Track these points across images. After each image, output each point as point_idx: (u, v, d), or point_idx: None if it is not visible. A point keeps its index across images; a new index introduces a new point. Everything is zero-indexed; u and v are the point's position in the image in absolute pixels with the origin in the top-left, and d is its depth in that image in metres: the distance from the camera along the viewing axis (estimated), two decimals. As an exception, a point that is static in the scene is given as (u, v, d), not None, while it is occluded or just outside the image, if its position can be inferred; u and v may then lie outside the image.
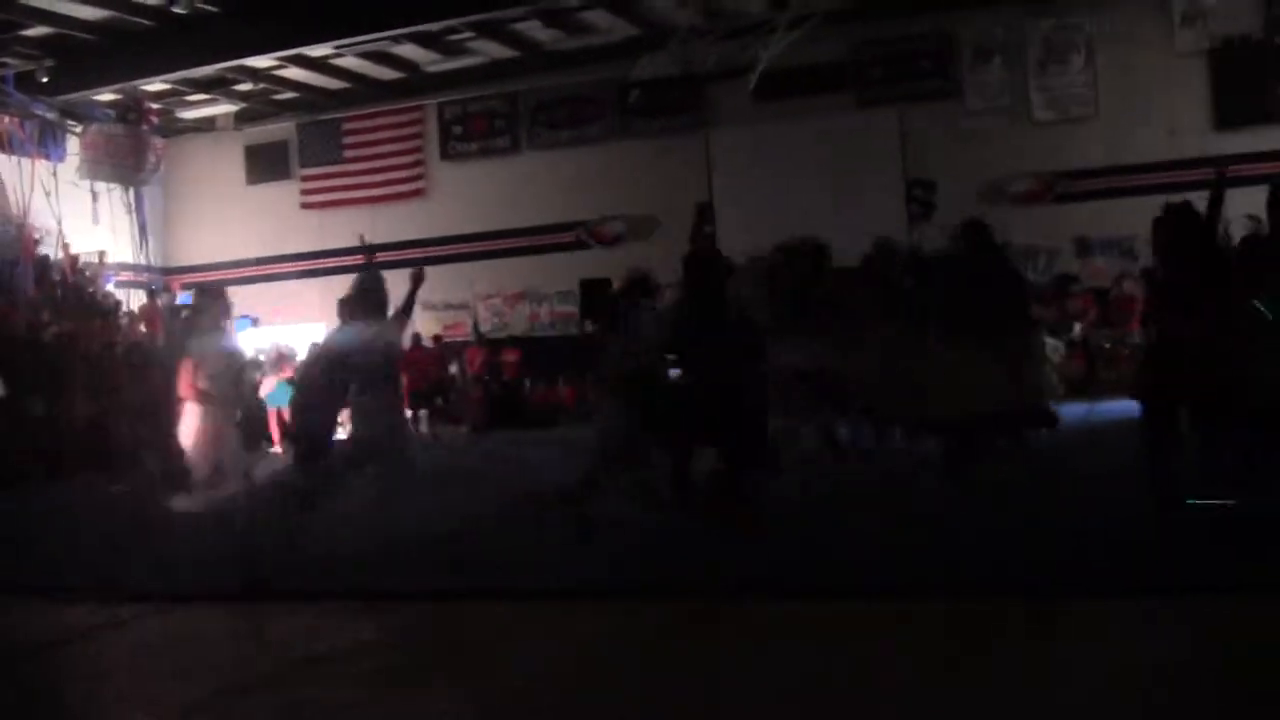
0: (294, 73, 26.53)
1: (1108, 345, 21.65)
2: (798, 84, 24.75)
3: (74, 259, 25.93)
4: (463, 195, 28.20)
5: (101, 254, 27.40)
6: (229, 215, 30.23)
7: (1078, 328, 22.13)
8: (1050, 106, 24.26)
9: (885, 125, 25.18)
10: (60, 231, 25.77)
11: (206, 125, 29.54)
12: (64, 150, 26.81)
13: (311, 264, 27.60)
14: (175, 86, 26.63)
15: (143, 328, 24.39)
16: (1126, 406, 10.07)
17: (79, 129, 26.61)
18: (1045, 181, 24.05)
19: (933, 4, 24.29)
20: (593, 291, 23.03)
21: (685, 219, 26.12)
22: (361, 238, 12.96)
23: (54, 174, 26.11)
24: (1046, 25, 24.26)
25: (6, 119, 25.45)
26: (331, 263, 28.05)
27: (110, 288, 27.41)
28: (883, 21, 24.67)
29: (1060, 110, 24.18)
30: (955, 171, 24.25)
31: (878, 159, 24.88)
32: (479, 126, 28.48)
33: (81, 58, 23.65)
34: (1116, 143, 23.61)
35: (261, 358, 21.51)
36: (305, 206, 29.76)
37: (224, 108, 28.55)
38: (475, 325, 27.09)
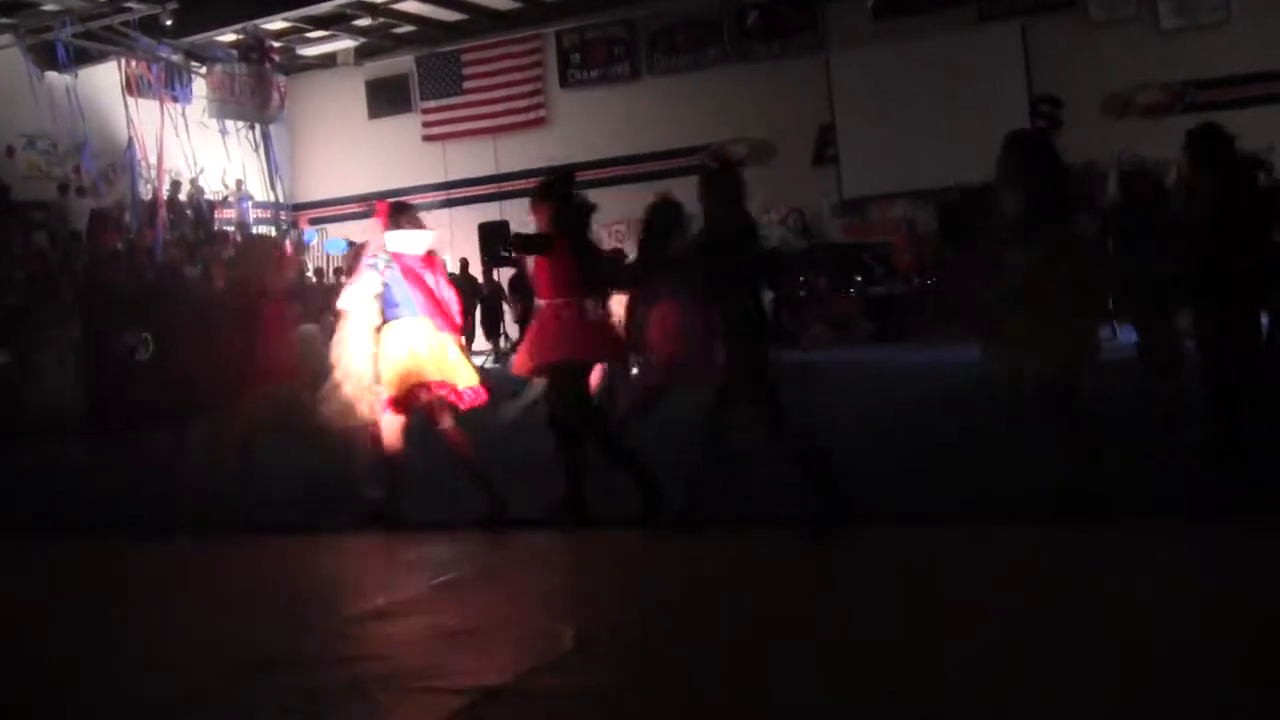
0: (412, 6, 26.68)
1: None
2: (917, 1, 24.42)
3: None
4: (583, 123, 28.20)
5: (239, 182, 28.02)
6: (352, 150, 30.57)
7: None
8: (1179, 14, 23.65)
9: (1008, 39, 24.71)
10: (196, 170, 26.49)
11: (328, 62, 29.79)
12: (191, 92, 27.30)
13: (435, 196, 27.88)
14: (296, 24, 26.92)
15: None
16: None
17: (204, 70, 27.03)
18: (1174, 92, 23.50)
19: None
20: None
21: (808, 142, 26.11)
22: None
23: (183, 115, 26.59)
24: (1174, -71, 23.66)
25: (135, 63, 25.93)
26: (455, 194, 28.35)
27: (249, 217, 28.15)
28: (1003, -68, 24.26)
29: (1189, 18, 23.55)
30: (1080, 84, 23.84)
31: (1001, 74, 24.43)
32: (598, 54, 28.45)
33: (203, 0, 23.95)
34: (1249, 50, 23.00)
35: None
36: (427, 139, 29.99)
37: (344, 43, 28.77)
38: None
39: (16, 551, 9.76)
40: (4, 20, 24.04)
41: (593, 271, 8.54)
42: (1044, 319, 7.32)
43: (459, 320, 9.24)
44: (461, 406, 8.93)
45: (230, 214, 27.96)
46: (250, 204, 28.76)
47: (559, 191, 8.68)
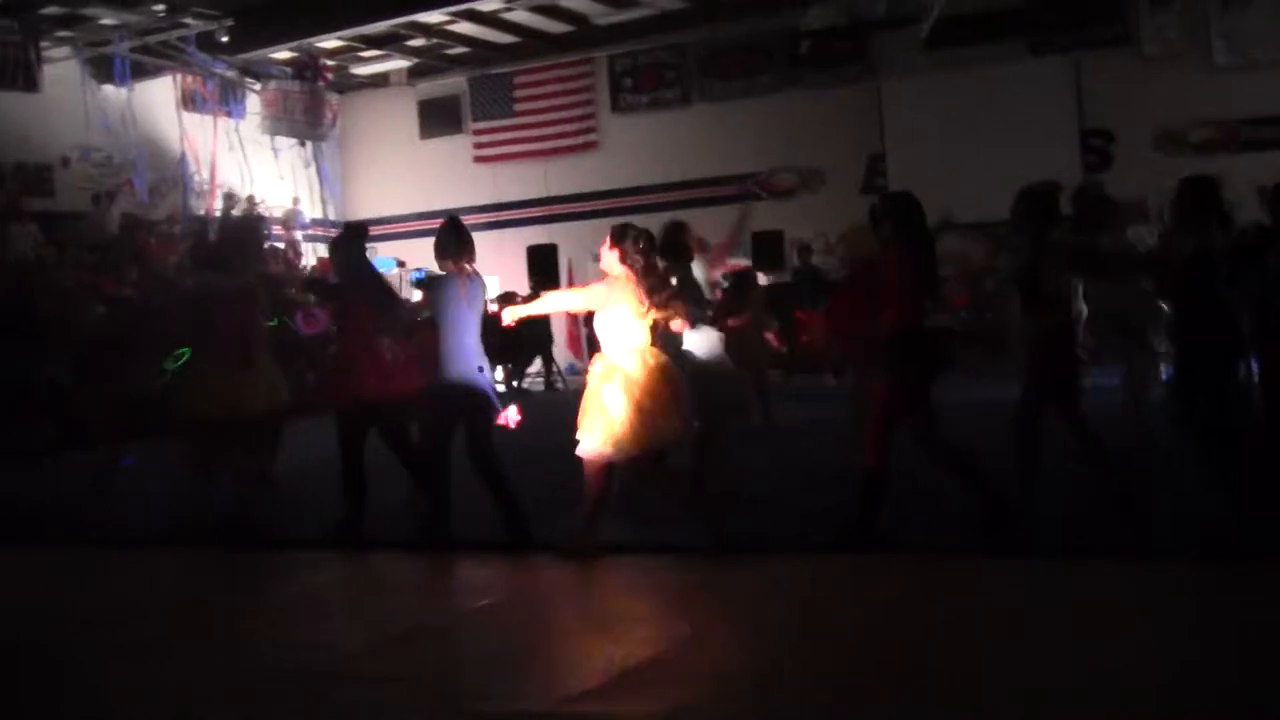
0: (465, 27, 26.75)
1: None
2: (969, 32, 24.29)
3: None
4: (634, 147, 28.23)
5: (295, 200, 28.26)
6: (403, 169, 30.70)
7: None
8: (1233, 51, 23.49)
9: (1059, 73, 24.59)
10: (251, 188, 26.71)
11: (380, 81, 29.96)
12: (244, 108, 27.52)
13: (484, 217, 27.91)
14: (349, 43, 27.04)
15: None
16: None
17: (258, 87, 27.24)
18: (1228, 129, 23.34)
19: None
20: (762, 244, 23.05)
21: (857, 171, 26.05)
22: None
23: (236, 130, 26.83)
24: (1231, -34, 23.52)
25: (190, 78, 26.17)
26: (505, 216, 28.42)
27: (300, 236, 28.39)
28: (1058, -34, 24.15)
29: (1243, 55, 23.37)
30: (1132, 120, 23.73)
31: (1052, 108, 24.32)
32: (649, 78, 28.48)
33: (259, 17, 24.10)
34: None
35: None
36: (478, 160, 30.06)
37: (397, 63, 28.92)
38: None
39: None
40: (62, 34, 24.27)
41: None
42: None
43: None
44: None
45: (282, 230, 28.13)
46: (303, 220, 28.94)
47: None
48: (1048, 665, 5.71)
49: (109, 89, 24.95)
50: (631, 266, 8.46)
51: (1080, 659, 5.75)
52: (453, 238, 9.25)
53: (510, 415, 8.95)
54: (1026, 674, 5.63)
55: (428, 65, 29.31)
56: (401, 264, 27.68)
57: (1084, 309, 12.64)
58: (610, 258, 8.54)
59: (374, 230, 28.65)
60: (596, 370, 8.46)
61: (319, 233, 29.42)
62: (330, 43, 26.60)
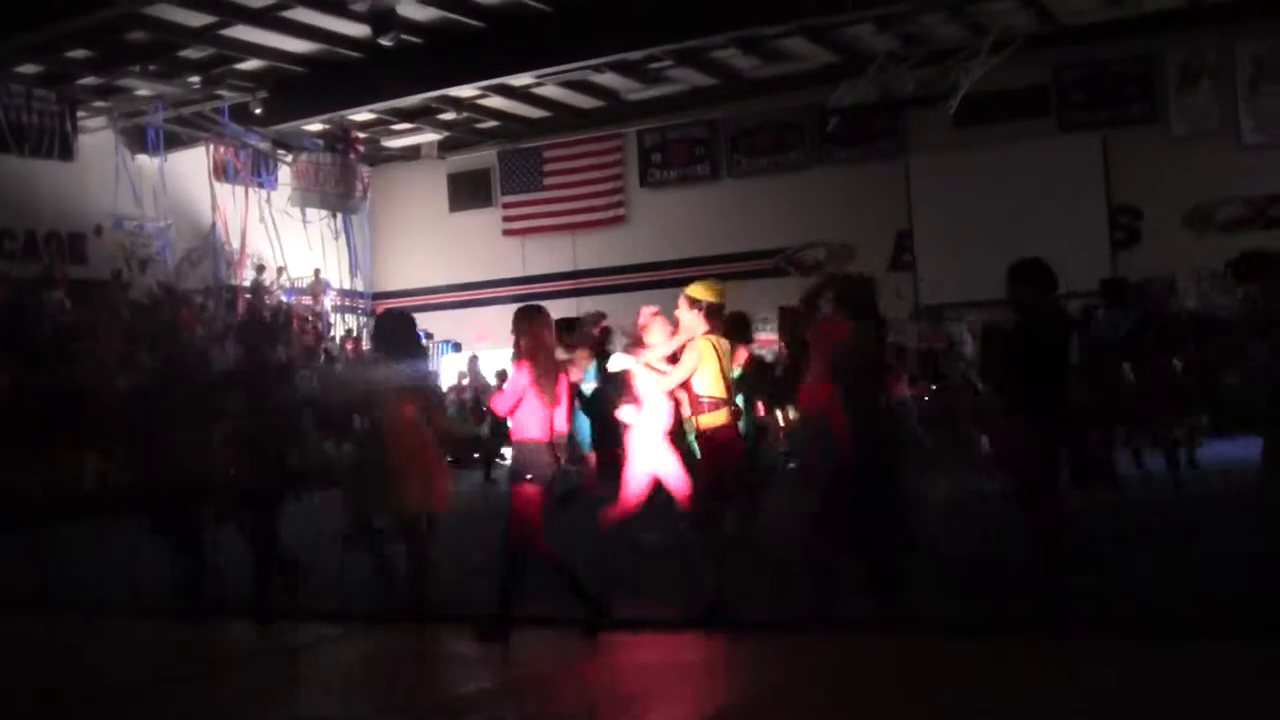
0: (496, 102, 26.95)
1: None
2: (998, 109, 24.38)
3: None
4: (662, 222, 28.32)
5: (317, 271, 28.40)
6: (432, 242, 30.84)
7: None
8: (1261, 129, 23.51)
9: (1088, 150, 24.66)
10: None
11: (411, 154, 30.15)
12: (276, 179, 27.76)
13: (514, 290, 27.96)
14: (381, 116, 27.27)
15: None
16: None
17: (290, 158, 27.46)
18: (1256, 207, 23.33)
19: (1136, 27, 23.71)
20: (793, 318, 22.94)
21: (885, 247, 26.08)
22: None
23: (268, 201, 27.06)
24: (1260, 46, 23.53)
25: (223, 149, 26.42)
26: (533, 289, 28.45)
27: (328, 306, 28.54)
28: (1085, 45, 24.16)
29: (1272, 133, 23.39)
30: (1161, 197, 23.73)
31: (1080, 185, 24.35)
32: (678, 153, 28.61)
33: (292, 89, 24.36)
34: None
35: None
36: (507, 233, 30.18)
37: (428, 136, 29.12)
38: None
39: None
40: (99, 104, 24.58)
41: None
42: None
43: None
44: None
45: (309, 301, 28.30)
46: (332, 293, 29.13)
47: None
48: None
49: (143, 158, 25.29)
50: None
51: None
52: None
53: None
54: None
55: (458, 139, 29.51)
56: (430, 336, 27.81)
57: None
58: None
59: (404, 302, 29.14)
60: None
61: (347, 303, 29.61)
62: (362, 115, 26.84)
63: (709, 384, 8.44)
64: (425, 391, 9.84)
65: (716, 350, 8.50)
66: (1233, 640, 7.10)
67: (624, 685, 7.32)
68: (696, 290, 8.63)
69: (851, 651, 7.55)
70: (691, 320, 8.60)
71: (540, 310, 8.63)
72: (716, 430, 8.44)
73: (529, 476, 8.20)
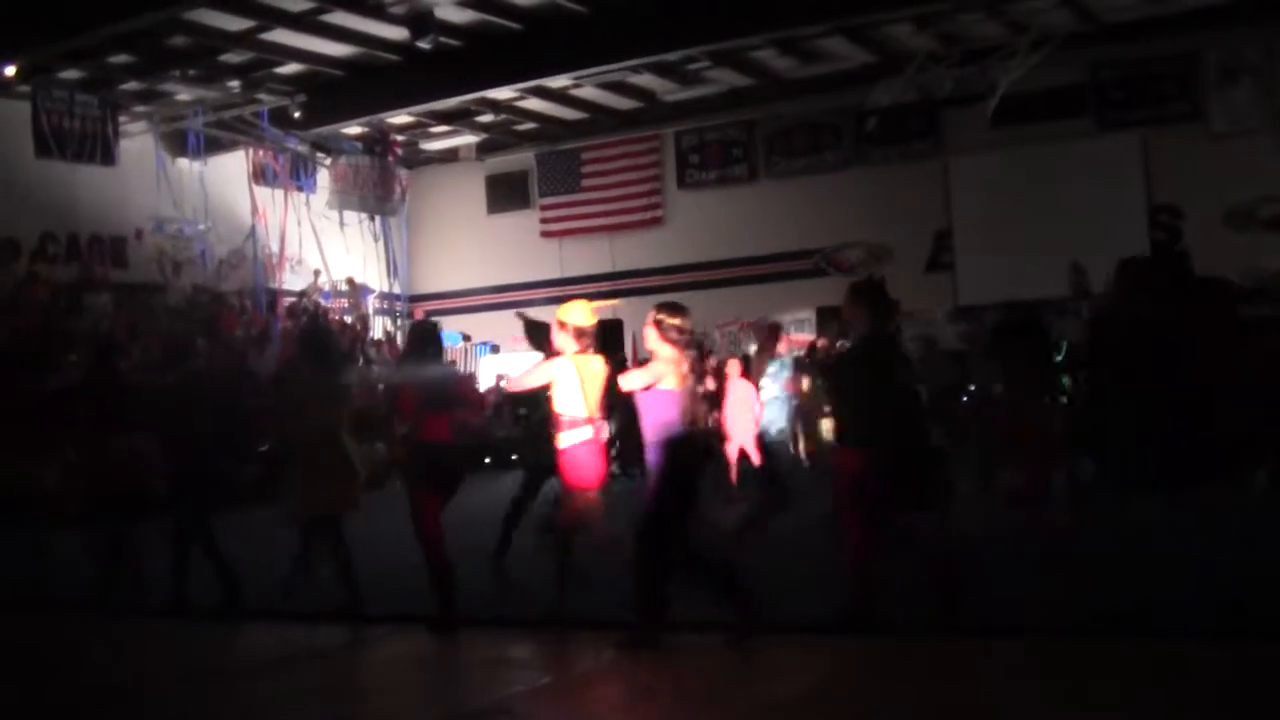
0: (533, 103, 26.98)
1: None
2: (1037, 108, 24.24)
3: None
4: (700, 223, 28.31)
5: (350, 280, 28.50)
6: (470, 244, 30.90)
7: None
8: (1303, 127, 23.34)
9: (1127, 149, 24.51)
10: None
11: (449, 156, 30.20)
12: (315, 182, 27.89)
13: (551, 292, 27.98)
14: (419, 119, 27.33)
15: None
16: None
17: (328, 161, 27.59)
18: (1299, 205, 23.15)
19: (1176, 25, 23.54)
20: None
21: (924, 247, 26.00)
22: None
23: (306, 204, 27.20)
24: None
25: (262, 152, 26.58)
26: (570, 290, 28.46)
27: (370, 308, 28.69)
28: (1124, 43, 23.99)
29: (1314, 131, 23.23)
30: (1202, 195, 23.55)
31: (1120, 183, 24.22)
32: (716, 154, 28.58)
33: (331, 93, 24.45)
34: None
35: None
36: (544, 235, 30.20)
37: (466, 139, 29.14)
38: None
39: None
40: (140, 109, 24.73)
41: None
42: None
43: None
44: None
45: (346, 303, 28.41)
46: (372, 296, 29.26)
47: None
48: None
49: (183, 162, 25.45)
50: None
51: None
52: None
53: None
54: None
55: (496, 141, 29.56)
56: (467, 338, 27.89)
57: None
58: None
59: (441, 304, 29.26)
60: None
61: (385, 306, 29.72)
62: (400, 118, 26.93)
63: (568, 403, 8.71)
64: (454, 398, 10.12)
65: (578, 371, 8.74)
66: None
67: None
68: (564, 312, 8.93)
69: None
70: (562, 340, 8.87)
71: None
72: (572, 449, 8.69)
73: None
